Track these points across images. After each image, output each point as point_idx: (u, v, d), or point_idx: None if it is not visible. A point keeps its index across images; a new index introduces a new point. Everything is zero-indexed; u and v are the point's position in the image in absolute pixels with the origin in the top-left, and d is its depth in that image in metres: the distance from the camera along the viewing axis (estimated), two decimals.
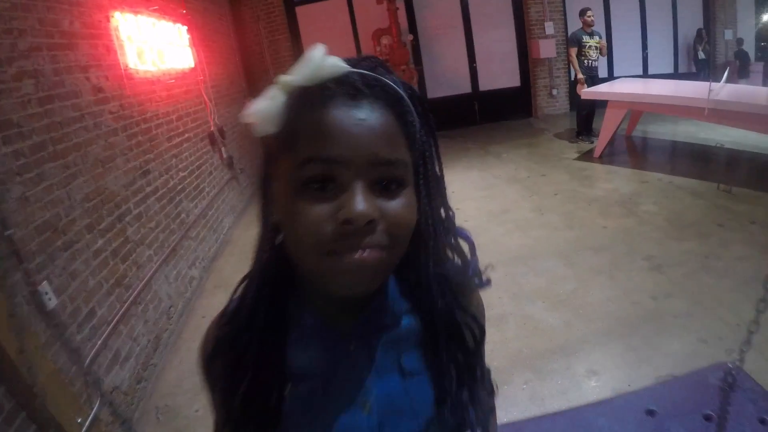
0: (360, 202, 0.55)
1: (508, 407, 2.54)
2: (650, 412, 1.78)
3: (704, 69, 10.27)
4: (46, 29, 3.00)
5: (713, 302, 3.19)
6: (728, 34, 10.77)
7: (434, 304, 0.69)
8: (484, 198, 5.74)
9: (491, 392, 0.80)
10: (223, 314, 0.74)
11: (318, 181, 0.56)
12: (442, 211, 0.73)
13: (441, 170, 0.73)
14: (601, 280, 3.63)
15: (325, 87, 0.58)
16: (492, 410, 0.84)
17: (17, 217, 2.44)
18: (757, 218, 4.23)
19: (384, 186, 0.59)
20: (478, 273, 0.77)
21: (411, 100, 0.64)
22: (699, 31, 10.57)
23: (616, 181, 5.75)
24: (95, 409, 2.53)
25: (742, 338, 1.60)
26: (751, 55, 10.85)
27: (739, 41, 10.56)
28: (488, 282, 0.78)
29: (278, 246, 0.67)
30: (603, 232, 4.37)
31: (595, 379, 2.70)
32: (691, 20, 10.70)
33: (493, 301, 3.57)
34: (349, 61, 0.62)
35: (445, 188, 0.74)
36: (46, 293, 2.49)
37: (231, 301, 0.74)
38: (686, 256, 3.78)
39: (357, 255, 0.56)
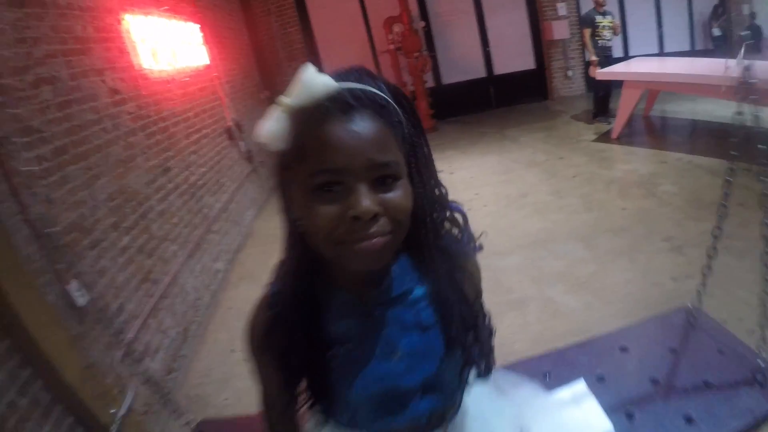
0: (364, 201, 0.69)
1: None
2: (624, 349, 2.11)
3: (721, 46, 10.02)
4: (59, 36, 3.08)
5: (733, 283, 3.16)
6: (746, 9, 10.47)
7: (437, 270, 0.86)
8: (502, 183, 5.74)
9: (490, 334, 1.00)
10: (267, 298, 0.92)
11: (327, 185, 0.70)
12: (436, 190, 0.85)
13: (429, 151, 0.84)
14: (620, 263, 3.62)
15: (320, 105, 0.71)
16: (491, 349, 1.02)
17: (45, 220, 2.53)
18: None
19: (382, 182, 0.72)
20: (472, 240, 0.94)
21: (396, 98, 0.77)
22: (715, 7, 10.33)
23: (634, 162, 5.70)
24: (129, 400, 2.63)
25: (699, 282, 2.14)
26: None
27: (752, 15, 10.30)
28: (481, 247, 0.96)
29: (303, 236, 0.80)
30: (622, 214, 4.35)
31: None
32: None
33: (513, 285, 3.60)
34: (338, 77, 0.74)
35: (435, 168, 0.86)
36: (77, 291, 2.59)
37: (271, 285, 0.92)
38: (706, 236, 3.70)
39: (365, 243, 0.70)
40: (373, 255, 0.72)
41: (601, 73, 6.73)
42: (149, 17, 4.35)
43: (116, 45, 3.74)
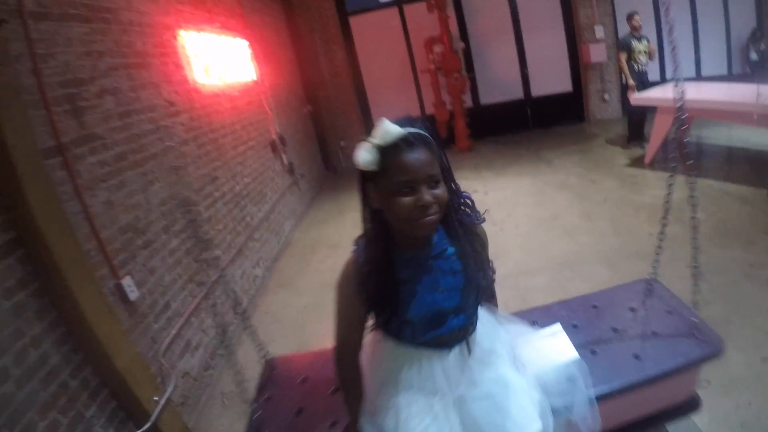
0: (426, 196, 1.23)
1: None
2: (595, 306, 2.59)
3: (758, 70, 9.74)
4: (121, 50, 3.35)
5: (753, 310, 3.21)
6: None
7: (458, 235, 1.40)
8: (535, 204, 5.83)
9: (493, 276, 1.55)
10: (354, 258, 1.43)
11: (404, 188, 1.23)
12: (453, 185, 1.38)
13: (449, 164, 1.35)
14: None
15: (395, 144, 1.23)
16: (493, 291, 1.67)
17: (104, 219, 2.77)
18: None
19: (432, 184, 1.25)
20: (478, 216, 1.46)
21: (432, 135, 1.28)
22: (753, 30, 10.20)
23: (665, 188, 5.66)
24: (170, 390, 2.82)
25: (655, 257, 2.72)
26: None
27: None
28: (484, 219, 1.47)
29: (381, 219, 1.34)
30: (649, 239, 4.35)
31: None
32: (745, 19, 10.27)
33: (537, 304, 3.69)
34: (400, 123, 1.25)
35: (452, 173, 1.37)
36: (129, 286, 2.82)
37: (355, 250, 1.44)
38: (730, 263, 3.77)
39: (427, 218, 1.25)
40: (431, 226, 1.28)
41: (636, 99, 6.73)
42: (202, 33, 4.64)
43: (172, 60, 4.02)
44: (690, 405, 2.32)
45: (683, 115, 2.34)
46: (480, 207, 1.49)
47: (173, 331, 3.20)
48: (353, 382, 1.60)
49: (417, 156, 1.23)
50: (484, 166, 7.92)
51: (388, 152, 1.23)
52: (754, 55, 10.08)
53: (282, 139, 6.50)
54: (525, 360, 1.74)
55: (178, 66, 4.09)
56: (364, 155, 1.24)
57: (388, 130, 1.22)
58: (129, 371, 2.54)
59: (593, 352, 2.22)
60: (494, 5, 9.76)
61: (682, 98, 2.26)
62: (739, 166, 6.27)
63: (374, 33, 9.85)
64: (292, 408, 2.24)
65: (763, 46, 10.04)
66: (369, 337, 1.58)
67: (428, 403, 1.50)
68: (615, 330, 2.37)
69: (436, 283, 1.40)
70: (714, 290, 3.48)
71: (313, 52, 9.49)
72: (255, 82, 5.98)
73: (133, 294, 2.84)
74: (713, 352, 2.16)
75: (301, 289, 4.66)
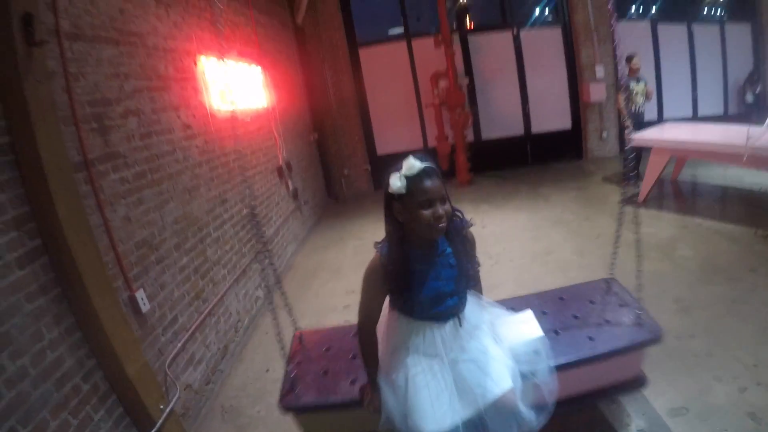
0: (440, 210, 1.79)
1: None
2: (561, 299, 3.13)
3: (753, 112, 9.96)
4: (146, 73, 3.56)
5: (734, 344, 3.35)
6: None
7: (453, 237, 1.96)
8: (530, 239, 5.99)
9: (477, 271, 2.16)
10: (379, 255, 1.94)
11: (425, 205, 1.77)
12: (452, 203, 1.89)
13: (447, 193, 1.86)
14: None
15: (417, 174, 1.78)
16: (479, 279, 2.25)
17: (121, 234, 2.94)
18: None
19: (442, 202, 1.81)
20: (467, 223, 2.00)
21: (439, 168, 1.85)
22: (750, 73, 10.48)
23: (656, 225, 5.86)
24: (174, 399, 2.96)
25: (611, 260, 3.27)
26: None
27: None
28: (472, 223, 2.03)
29: (403, 227, 1.89)
30: (637, 274, 4.56)
31: (614, 405, 2.96)
32: (742, 61, 10.63)
33: None
34: (419, 159, 1.79)
35: (449, 199, 1.88)
36: (142, 299, 2.98)
37: (379, 249, 1.95)
38: (714, 299, 3.92)
39: (440, 225, 1.80)
40: (442, 230, 1.83)
41: (630, 139, 6.91)
42: (220, 60, 4.86)
43: (191, 84, 4.23)
44: (637, 382, 2.80)
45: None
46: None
47: (179, 345, 3.35)
48: (371, 348, 2.16)
49: (433, 182, 1.79)
50: (483, 199, 8.11)
51: (412, 180, 1.78)
52: (749, 97, 10.37)
53: (288, 165, 6.71)
54: (502, 336, 2.30)
55: (197, 91, 4.30)
56: (396, 182, 1.79)
57: (413, 164, 1.78)
58: (139, 379, 2.69)
59: (556, 333, 2.76)
60: (499, 43, 10.08)
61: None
62: (730, 206, 6.48)
63: (382, 65, 10.13)
64: (318, 370, 2.75)
65: (758, 89, 10.32)
66: (385, 315, 2.15)
67: (429, 363, 2.07)
68: (576, 317, 2.91)
69: (439, 274, 1.97)
70: (697, 324, 3.65)
71: (322, 81, 9.75)
72: (266, 109, 6.19)
73: (144, 306, 2.99)
74: (653, 337, 2.65)
75: (302, 311, 4.77)
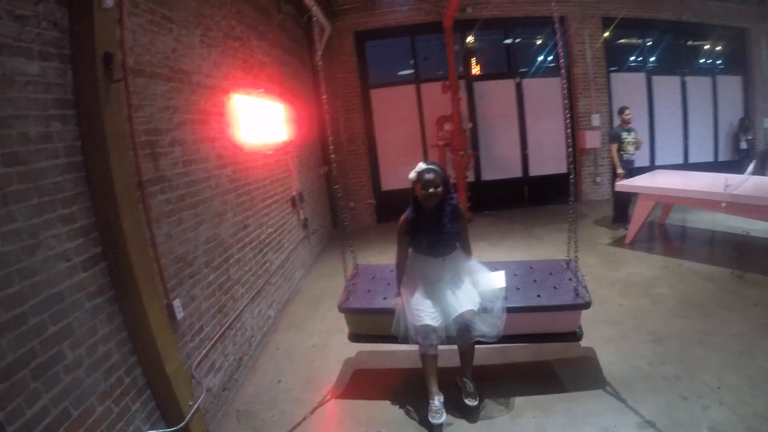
0: (431, 190, 3.46)
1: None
2: (531, 267, 4.22)
3: (746, 158, 10.40)
4: (190, 107, 4.01)
5: (701, 369, 3.74)
6: (767, 123, 11.14)
7: (447, 207, 3.60)
8: (523, 258, 6.40)
9: (465, 231, 3.79)
10: (405, 216, 3.64)
11: (426, 187, 3.46)
12: (448, 187, 3.60)
13: (448, 181, 3.61)
14: (608, 348, 4.21)
15: (422, 171, 3.51)
16: (468, 243, 3.86)
17: (163, 248, 3.34)
18: (761, 301, 4.73)
19: (435, 187, 3.47)
20: (457, 202, 3.68)
21: (440, 168, 3.56)
22: (742, 120, 10.98)
23: (640, 265, 6.28)
24: (201, 397, 3.32)
25: (571, 248, 4.02)
26: None
27: None
28: (457, 201, 3.71)
29: (415, 198, 3.61)
30: (618, 309, 4.95)
31: (589, 419, 3.34)
32: (732, 109, 11.20)
33: None
34: (426, 163, 3.56)
35: (449, 185, 3.65)
36: (177, 307, 3.37)
37: (406, 214, 3.65)
38: (687, 332, 4.32)
39: (431, 200, 3.50)
40: (433, 203, 3.51)
41: (620, 185, 7.44)
42: (249, 97, 5.35)
43: (224, 119, 4.69)
44: (573, 335, 3.80)
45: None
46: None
47: (203, 352, 3.72)
48: (401, 270, 3.81)
49: (429, 176, 3.45)
50: (481, 237, 8.47)
51: (420, 174, 3.49)
52: (744, 144, 10.87)
53: (301, 196, 7.15)
54: (476, 281, 3.69)
55: (228, 124, 4.75)
56: (412, 174, 3.52)
57: (420, 165, 3.54)
58: (175, 376, 3.06)
59: (518, 289, 3.87)
60: (503, 90, 10.66)
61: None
62: (712, 248, 6.96)
63: (392, 106, 10.64)
64: (365, 288, 4.16)
65: (750, 136, 10.79)
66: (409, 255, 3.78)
67: (429, 287, 3.62)
68: (535, 281, 3.99)
69: (440, 227, 3.56)
70: (669, 352, 4.05)
71: (335, 118, 10.22)
72: (285, 142, 6.64)
73: (180, 314, 3.39)
74: (583, 304, 3.63)
75: (310, 331, 5.17)
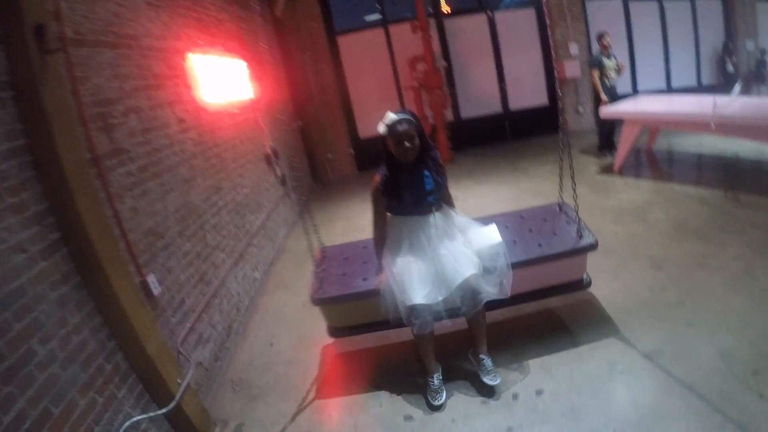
0: (406, 144, 2.91)
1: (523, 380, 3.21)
2: (522, 217, 3.89)
3: (733, 81, 10.44)
4: (142, 73, 3.75)
5: (703, 294, 3.66)
6: (749, 45, 11.01)
7: (429, 160, 3.09)
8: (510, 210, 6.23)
9: (446, 186, 3.23)
10: (378, 175, 3.07)
11: (399, 140, 2.90)
12: (427, 140, 3.06)
13: (424, 133, 3.02)
14: (606, 277, 4.11)
15: (393, 123, 2.91)
16: (449, 196, 3.34)
17: (130, 224, 3.14)
18: (757, 222, 4.64)
19: (410, 139, 2.91)
20: (437, 154, 3.17)
21: (414, 117, 2.97)
22: (726, 44, 10.83)
23: (631, 192, 6.20)
24: (190, 374, 3.19)
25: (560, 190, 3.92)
26: None
27: (762, 51, 10.76)
28: (439, 156, 3.20)
29: (390, 154, 3.02)
30: (613, 237, 4.85)
31: (594, 353, 3.25)
32: (713, 33, 10.98)
33: None
34: (396, 113, 2.94)
35: (427, 138, 3.07)
36: (153, 282, 3.19)
37: (379, 171, 3.08)
38: (685, 256, 4.23)
39: (407, 155, 2.96)
40: (410, 157, 2.97)
41: (603, 112, 7.29)
42: (207, 56, 5.04)
43: (182, 81, 4.41)
44: (581, 284, 3.53)
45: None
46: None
47: (188, 325, 3.57)
48: (380, 242, 3.28)
49: (402, 128, 2.89)
50: (465, 175, 8.37)
51: (390, 127, 2.92)
52: (730, 67, 10.73)
53: (275, 153, 6.90)
54: (470, 240, 3.22)
55: (187, 87, 4.48)
56: (381, 127, 2.94)
57: (389, 116, 2.93)
58: (158, 356, 2.91)
59: (514, 242, 3.50)
60: (475, 26, 10.35)
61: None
62: (702, 172, 6.87)
63: (361, 52, 10.33)
64: (338, 272, 3.62)
65: (735, 59, 10.66)
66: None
67: (418, 255, 3.09)
68: (530, 230, 3.67)
69: (418, 183, 3.06)
70: (670, 278, 3.97)
71: (303, 71, 9.91)
72: (252, 100, 6.36)
73: (156, 290, 3.21)
74: (591, 245, 3.38)
75: (298, 289, 5.01)
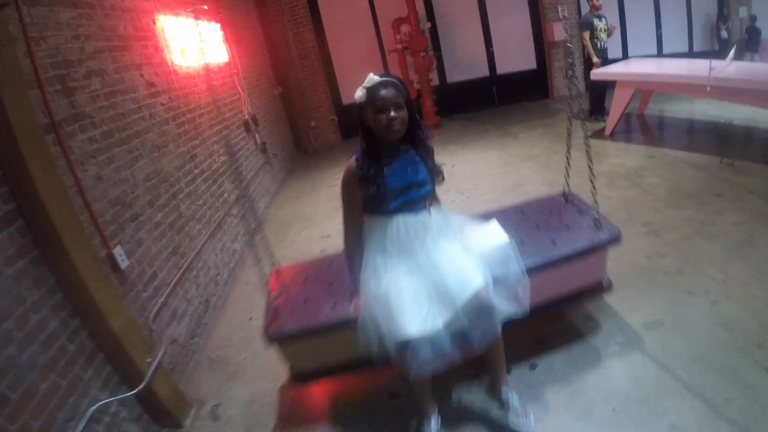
0: (393, 114, 2.07)
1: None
2: (522, 212, 3.32)
3: (727, 47, 10.33)
4: (105, 34, 3.49)
5: (703, 261, 3.51)
6: (743, 12, 10.78)
7: (418, 143, 2.27)
8: (500, 174, 6.10)
9: (439, 168, 2.37)
10: (355, 160, 2.19)
11: (381, 110, 2.07)
12: (414, 113, 2.20)
13: (410, 98, 2.18)
14: None
15: (375, 86, 2.09)
16: (441, 172, 2.37)
17: (94, 193, 2.92)
18: (755, 188, 4.48)
19: (398, 108, 2.08)
20: (428, 134, 2.32)
21: (400, 82, 2.15)
22: (721, 10, 10.64)
23: (623, 156, 6.03)
24: (161, 353, 3.00)
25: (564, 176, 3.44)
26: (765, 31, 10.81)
27: (753, 18, 10.59)
28: (429, 137, 2.33)
29: (370, 130, 2.16)
30: (607, 202, 4.66)
31: (591, 324, 3.10)
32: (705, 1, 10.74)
33: None
34: (380, 76, 2.12)
35: (414, 110, 2.20)
36: (120, 255, 2.98)
37: (354, 154, 2.21)
38: (682, 222, 4.08)
39: (394, 128, 2.09)
40: (396, 132, 2.10)
41: (596, 74, 7.07)
42: (179, 17, 4.75)
43: (151, 43, 4.15)
44: (602, 287, 2.98)
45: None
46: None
47: (161, 300, 3.38)
48: (355, 252, 2.35)
49: (387, 92, 2.07)
50: (452, 141, 8.17)
51: (371, 91, 2.09)
52: (724, 33, 10.54)
53: (255, 119, 6.65)
54: (470, 242, 2.39)
55: (157, 49, 4.22)
56: (359, 92, 2.12)
57: (371, 78, 2.11)
58: (124, 333, 2.70)
59: (521, 241, 2.72)
60: None
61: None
62: (696, 137, 6.67)
63: (343, 14, 9.97)
64: (300, 299, 2.80)
65: (730, 24, 10.47)
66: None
67: (407, 266, 2.25)
68: (538, 226, 3.08)
69: (405, 168, 2.22)
70: (667, 245, 3.81)
71: (282, 34, 9.57)
72: (227, 64, 6.10)
73: (123, 263, 3.00)
74: (613, 238, 2.81)
75: (279, 259, 4.81)
